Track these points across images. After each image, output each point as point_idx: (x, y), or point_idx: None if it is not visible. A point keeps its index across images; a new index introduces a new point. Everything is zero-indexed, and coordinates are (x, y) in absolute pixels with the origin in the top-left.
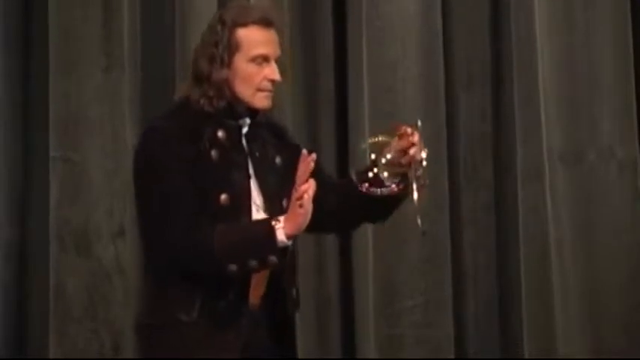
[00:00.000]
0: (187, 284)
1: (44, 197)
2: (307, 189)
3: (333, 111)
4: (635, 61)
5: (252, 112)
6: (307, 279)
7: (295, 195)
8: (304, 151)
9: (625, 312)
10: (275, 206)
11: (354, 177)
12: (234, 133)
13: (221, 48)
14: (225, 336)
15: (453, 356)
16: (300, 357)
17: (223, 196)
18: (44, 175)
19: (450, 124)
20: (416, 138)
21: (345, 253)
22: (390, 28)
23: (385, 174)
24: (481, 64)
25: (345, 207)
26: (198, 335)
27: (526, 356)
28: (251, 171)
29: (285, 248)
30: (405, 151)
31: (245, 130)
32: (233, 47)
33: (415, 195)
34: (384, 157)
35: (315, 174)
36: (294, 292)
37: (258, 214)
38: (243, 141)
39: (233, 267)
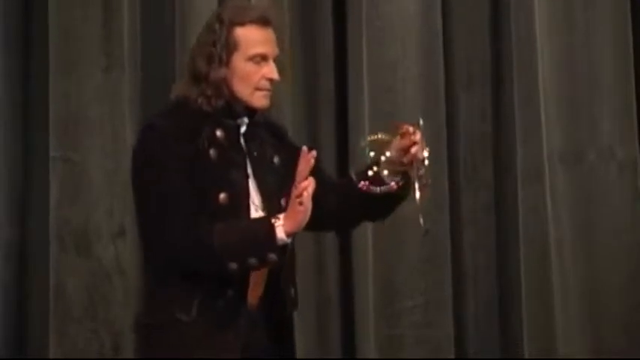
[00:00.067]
0: (186, 284)
1: (44, 197)
2: (307, 186)
3: (333, 111)
4: (635, 61)
5: (251, 112)
6: (307, 279)
7: (295, 192)
8: (304, 148)
9: (625, 312)
10: (273, 206)
11: (353, 175)
12: (233, 132)
13: (219, 47)
14: (224, 336)
15: (453, 356)
16: (300, 357)
17: (222, 196)
18: (44, 175)
19: (450, 124)
20: (418, 137)
21: (345, 253)
22: (390, 28)
23: (385, 172)
24: (481, 64)
25: (345, 205)
26: (197, 335)
27: (526, 356)
28: (249, 170)
29: (284, 246)
30: (406, 150)
31: (243, 129)
32: (231, 46)
33: (417, 194)
34: (384, 154)
35: (315, 172)
36: (292, 291)
37: (256, 213)
38: (242, 140)
39: (233, 265)
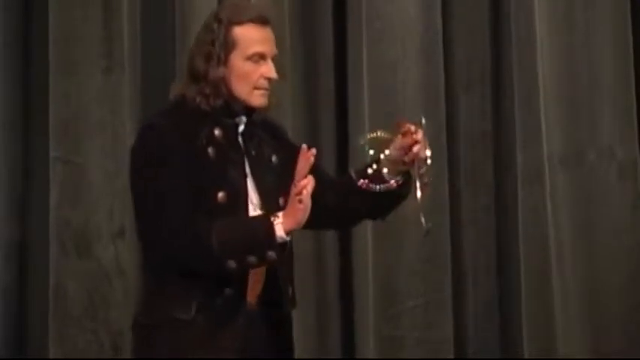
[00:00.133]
0: (185, 283)
1: (44, 198)
2: (306, 184)
3: (333, 111)
4: (635, 61)
5: (249, 111)
6: (307, 279)
7: (294, 190)
8: (304, 146)
9: (625, 312)
10: (271, 205)
11: (353, 173)
12: (231, 131)
13: (217, 46)
14: (223, 335)
15: (452, 356)
16: (300, 357)
17: (220, 194)
18: (44, 175)
19: (450, 125)
20: (419, 136)
21: (345, 253)
22: (390, 29)
23: (385, 170)
24: (481, 64)
25: (344, 203)
26: (196, 334)
27: (526, 356)
28: (247, 170)
29: (284, 244)
30: (408, 149)
31: (241, 128)
32: (229, 45)
33: (418, 193)
34: (383, 152)
35: (314, 170)
36: (290, 290)
37: (254, 212)
38: (240, 139)
39: (232, 263)
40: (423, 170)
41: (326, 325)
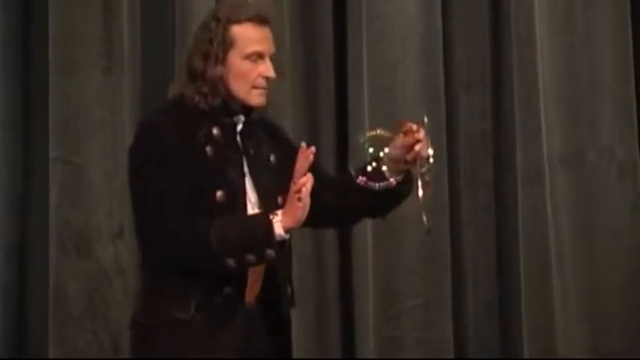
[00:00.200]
0: (184, 282)
1: (44, 198)
2: (305, 182)
3: (333, 111)
4: (635, 61)
5: (247, 110)
6: (307, 279)
7: (293, 188)
8: (303, 144)
9: (625, 312)
10: (270, 204)
11: (352, 171)
12: (229, 130)
13: (215, 45)
14: (222, 334)
15: (452, 356)
16: (299, 357)
17: (219, 193)
18: (44, 175)
19: (450, 124)
20: (421, 134)
21: (345, 253)
22: (390, 29)
23: (384, 168)
24: (481, 64)
25: (343, 202)
26: (195, 333)
27: (526, 356)
28: (246, 169)
29: (282, 242)
30: (409, 148)
31: (240, 127)
32: (227, 44)
33: (420, 192)
34: (383, 150)
35: (314, 169)
36: (289, 289)
37: (252, 211)
38: (238, 138)
39: (231, 262)
40: (424, 169)
41: (326, 325)
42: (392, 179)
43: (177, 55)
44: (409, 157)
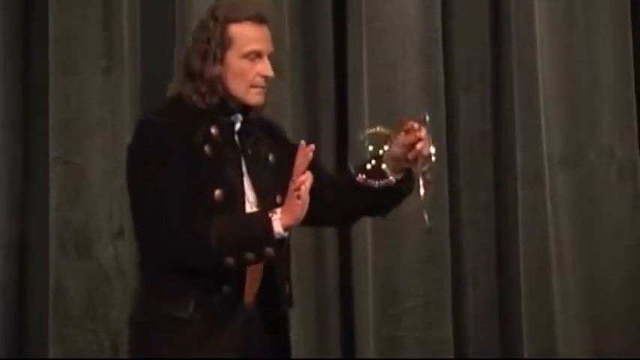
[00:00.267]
0: (183, 280)
1: (44, 198)
2: (305, 180)
3: (333, 111)
4: (635, 61)
5: (245, 109)
6: (307, 280)
7: (293, 186)
8: (302, 142)
9: (625, 312)
10: (268, 203)
11: (352, 169)
12: (227, 129)
13: (214, 44)
14: (221, 334)
15: (452, 356)
16: (300, 357)
17: (217, 192)
18: (44, 175)
19: (450, 124)
20: (423, 133)
21: (345, 253)
22: (390, 29)
23: (384, 166)
24: (481, 64)
25: (343, 200)
26: (194, 333)
27: (526, 356)
28: (244, 168)
29: (281, 240)
30: (411, 147)
31: (238, 126)
32: (226, 43)
33: (422, 191)
34: (382, 148)
35: (313, 167)
36: (287, 289)
37: (251, 211)
38: (236, 138)
39: (230, 260)
40: (425, 167)
41: (326, 324)
42: (392, 177)
43: (177, 55)
44: (410, 155)
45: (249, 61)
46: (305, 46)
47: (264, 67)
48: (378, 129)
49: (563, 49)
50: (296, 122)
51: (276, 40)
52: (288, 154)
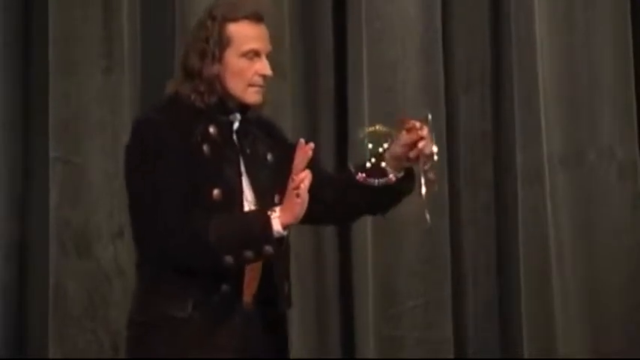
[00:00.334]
0: (181, 280)
1: (44, 198)
2: (304, 178)
3: (333, 111)
4: (635, 61)
5: (243, 108)
6: (307, 280)
7: (292, 184)
8: (301, 140)
9: (625, 312)
10: (266, 203)
11: (352, 167)
12: (226, 129)
13: (212, 43)
14: (220, 333)
15: (452, 356)
16: (300, 357)
17: (216, 191)
18: (44, 175)
19: (450, 125)
20: (424, 132)
21: (345, 253)
22: (390, 29)
23: (383, 164)
24: (481, 64)
25: (343, 198)
26: (193, 332)
27: (526, 356)
28: (242, 168)
29: (280, 238)
30: (413, 145)
31: (236, 126)
32: (224, 42)
33: (423, 189)
34: (382, 146)
35: (313, 165)
36: (286, 289)
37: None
38: (234, 137)
39: (229, 259)
40: (427, 166)
41: (326, 324)
42: (391, 175)
43: (177, 55)
44: (412, 154)
45: (248, 60)
46: (305, 46)
47: (263, 66)
48: (377, 127)
49: (563, 49)
50: (296, 122)
51: (276, 39)
52: (287, 153)
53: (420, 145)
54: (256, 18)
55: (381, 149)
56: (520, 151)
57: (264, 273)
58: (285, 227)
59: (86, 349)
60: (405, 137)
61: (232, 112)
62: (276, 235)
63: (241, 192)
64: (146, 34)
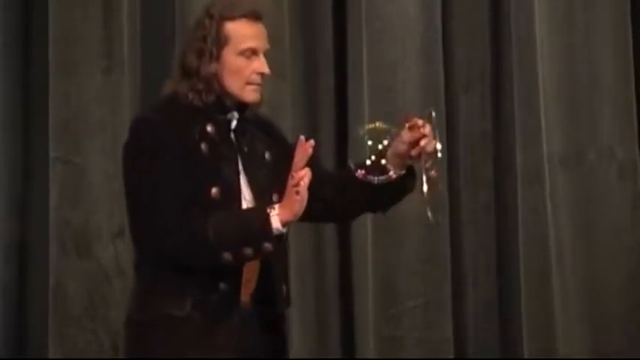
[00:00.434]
0: (179, 278)
1: (44, 198)
2: (304, 176)
3: (333, 111)
4: (635, 61)
5: (241, 107)
6: (307, 280)
7: (292, 182)
8: (301, 138)
9: (625, 312)
10: (264, 201)
11: (352, 165)
12: (223, 127)
13: (209, 42)
14: (219, 332)
15: (452, 356)
16: (300, 357)
17: (214, 190)
18: (44, 175)
19: (450, 124)
20: (427, 129)
21: (345, 253)
22: (390, 29)
23: (383, 161)
24: (481, 64)
25: (343, 196)
26: (191, 331)
27: (526, 356)
28: (240, 166)
29: (280, 236)
30: (415, 143)
31: (234, 124)
32: (222, 41)
33: (425, 187)
34: (382, 143)
35: (313, 163)
36: (284, 289)
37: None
38: (232, 136)
39: (228, 256)
40: (429, 164)
41: (326, 324)
42: (391, 173)
43: (178, 55)
44: (414, 152)
45: (245, 59)
46: (305, 46)
47: (260, 65)
48: (377, 124)
49: (563, 49)
50: (296, 122)
51: (275, 39)
52: (285, 152)
53: (422, 142)
54: (254, 16)
55: (380, 146)
56: (520, 151)
57: (262, 273)
58: (284, 224)
59: (86, 349)
60: (407, 135)
61: (230, 110)
62: (275, 232)
63: (239, 190)
64: (146, 34)
